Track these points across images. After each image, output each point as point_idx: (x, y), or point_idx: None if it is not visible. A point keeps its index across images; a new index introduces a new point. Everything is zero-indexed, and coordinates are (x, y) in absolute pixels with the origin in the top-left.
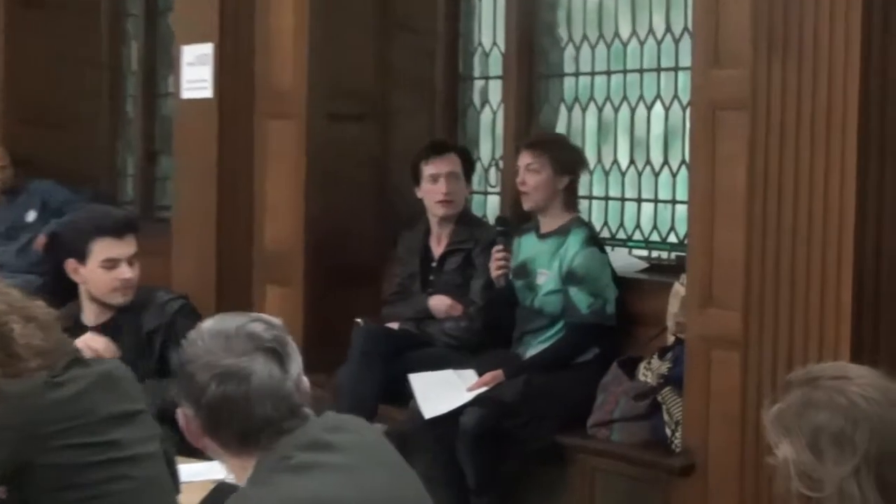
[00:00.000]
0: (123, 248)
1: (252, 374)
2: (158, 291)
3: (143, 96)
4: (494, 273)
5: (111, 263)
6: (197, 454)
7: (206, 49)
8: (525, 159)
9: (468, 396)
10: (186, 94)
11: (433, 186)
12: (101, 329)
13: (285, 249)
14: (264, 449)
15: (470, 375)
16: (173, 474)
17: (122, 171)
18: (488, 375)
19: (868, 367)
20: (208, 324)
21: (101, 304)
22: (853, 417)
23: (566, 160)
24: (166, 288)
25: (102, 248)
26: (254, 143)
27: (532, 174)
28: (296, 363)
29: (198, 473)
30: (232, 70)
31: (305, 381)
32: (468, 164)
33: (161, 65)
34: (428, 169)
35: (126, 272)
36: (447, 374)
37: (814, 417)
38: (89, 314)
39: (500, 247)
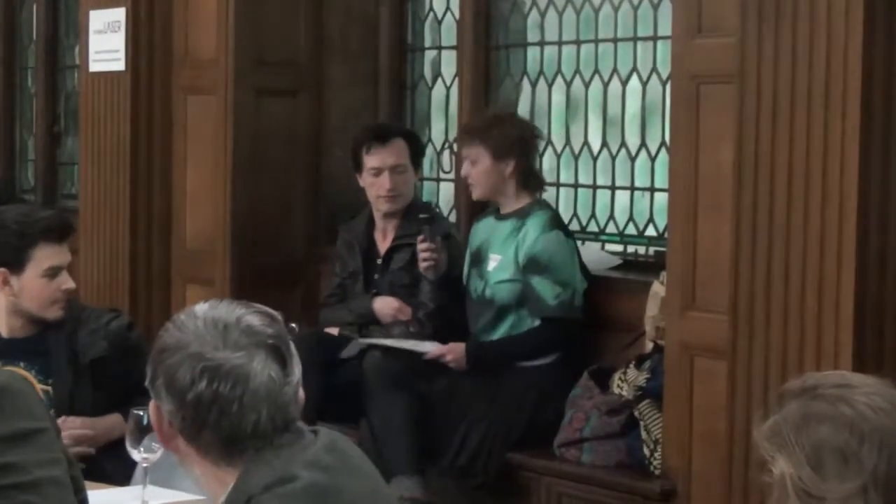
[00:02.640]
0: (64, 254)
1: (250, 374)
2: (84, 308)
3: (45, 69)
4: (421, 266)
5: (54, 272)
6: (110, 479)
7: (117, 15)
8: (463, 150)
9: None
10: (94, 66)
11: (375, 180)
12: (23, 346)
13: (208, 244)
14: (248, 462)
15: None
16: (82, 503)
17: (21, 154)
18: (450, 346)
19: (872, 377)
20: (202, 308)
21: (30, 318)
22: (859, 430)
23: (506, 142)
24: (92, 305)
25: (46, 255)
26: (172, 122)
27: (471, 165)
28: (298, 366)
29: (111, 502)
30: (146, 39)
31: (302, 391)
32: (416, 150)
33: (65, 33)
34: (369, 161)
35: (69, 281)
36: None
37: (815, 431)
38: (3, 327)
39: (422, 237)
